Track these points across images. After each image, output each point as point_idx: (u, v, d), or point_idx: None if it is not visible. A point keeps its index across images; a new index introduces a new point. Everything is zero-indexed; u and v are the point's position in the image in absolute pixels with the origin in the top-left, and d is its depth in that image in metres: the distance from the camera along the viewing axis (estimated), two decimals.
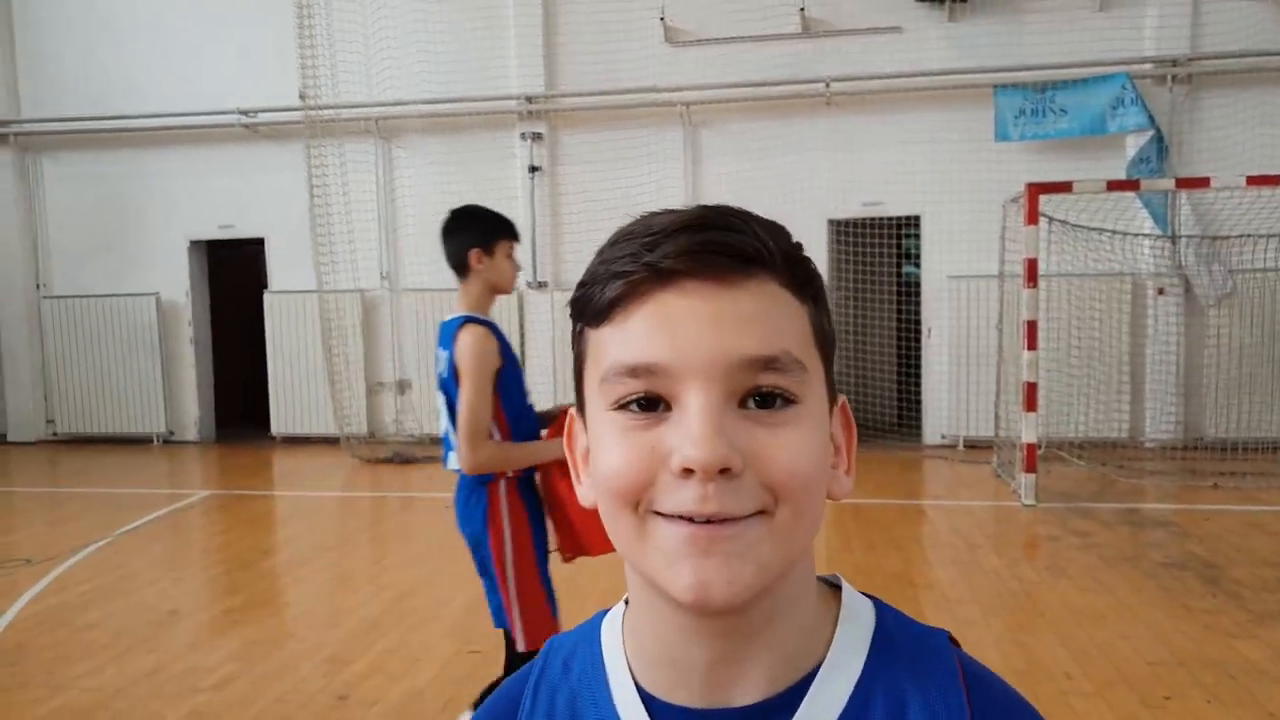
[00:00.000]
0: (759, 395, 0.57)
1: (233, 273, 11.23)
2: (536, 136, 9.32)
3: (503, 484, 2.53)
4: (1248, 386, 8.25)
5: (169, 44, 9.97)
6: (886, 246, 9.08)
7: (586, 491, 0.65)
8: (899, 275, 9.93)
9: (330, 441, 9.62)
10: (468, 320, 2.51)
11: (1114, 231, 8.09)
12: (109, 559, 5.61)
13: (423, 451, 9.07)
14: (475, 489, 2.54)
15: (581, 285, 0.62)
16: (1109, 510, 6.30)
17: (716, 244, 0.57)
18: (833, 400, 0.65)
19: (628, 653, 0.66)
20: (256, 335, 10.27)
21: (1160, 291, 8.45)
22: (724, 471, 0.55)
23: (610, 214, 9.16)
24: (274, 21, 9.44)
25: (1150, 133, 8.17)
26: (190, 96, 9.85)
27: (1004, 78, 8.46)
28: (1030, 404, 6.51)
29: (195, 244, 10.36)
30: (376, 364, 9.91)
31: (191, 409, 10.47)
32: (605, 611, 0.71)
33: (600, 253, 0.62)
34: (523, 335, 9.51)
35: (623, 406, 0.58)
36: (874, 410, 9.10)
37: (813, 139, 8.93)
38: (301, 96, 8.97)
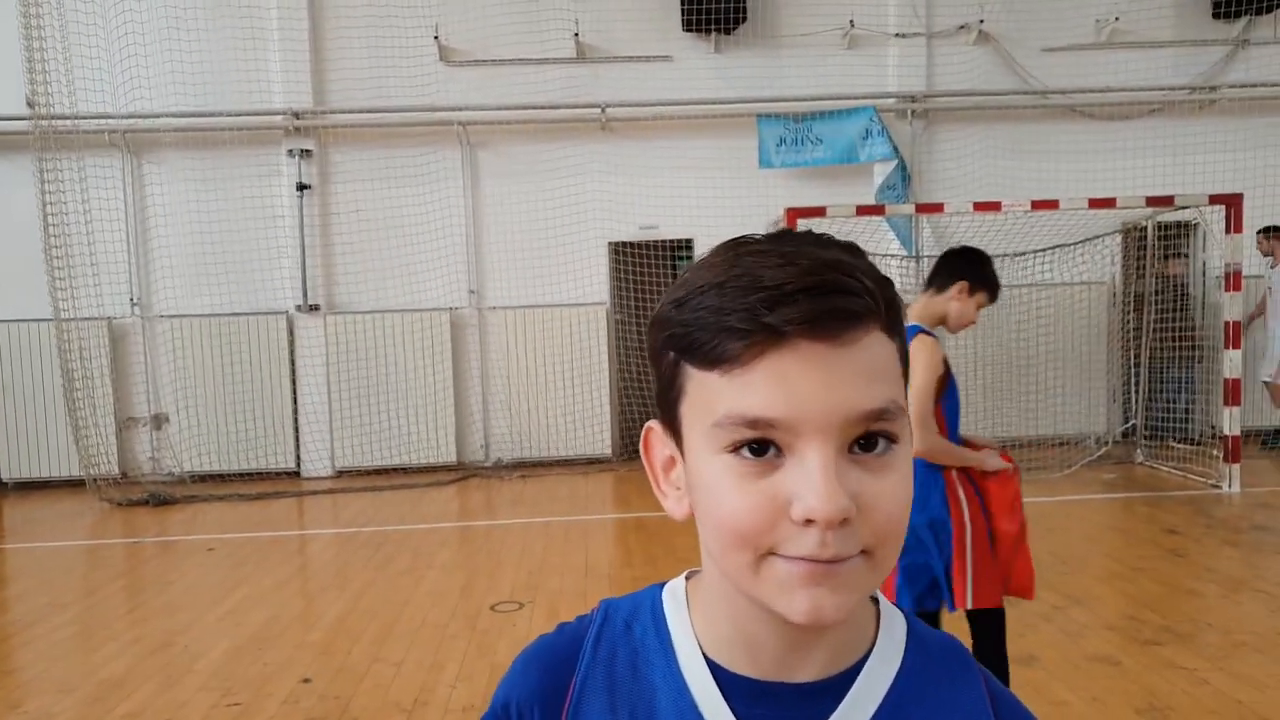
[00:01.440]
0: (863, 439, 0.62)
1: None
2: (305, 153, 8.91)
3: (954, 472, 2.85)
4: (978, 391, 9.14)
5: None
6: (663, 268, 9.36)
7: (673, 505, 0.71)
8: None
9: (75, 485, 8.70)
10: (921, 331, 2.89)
11: (866, 252, 8.72)
12: None
13: (183, 491, 8.40)
14: (930, 475, 2.82)
15: (686, 324, 0.63)
16: None
17: (835, 310, 0.60)
18: None
19: (695, 625, 0.73)
20: None
21: (905, 307, 9.19)
22: (843, 522, 0.60)
23: (388, 234, 8.97)
24: None
25: (894, 162, 8.91)
26: None
27: (765, 108, 8.98)
28: None
29: None
30: (128, 397, 9.09)
31: None
32: (662, 584, 0.77)
33: (702, 291, 0.63)
34: (293, 362, 9.04)
35: (735, 450, 0.62)
36: None
37: (590, 162, 9.08)
38: (30, 104, 8.10)
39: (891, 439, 0.63)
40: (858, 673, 0.70)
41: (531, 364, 9.07)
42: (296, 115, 8.86)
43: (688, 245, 9.43)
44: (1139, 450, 8.38)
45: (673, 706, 0.70)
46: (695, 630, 0.73)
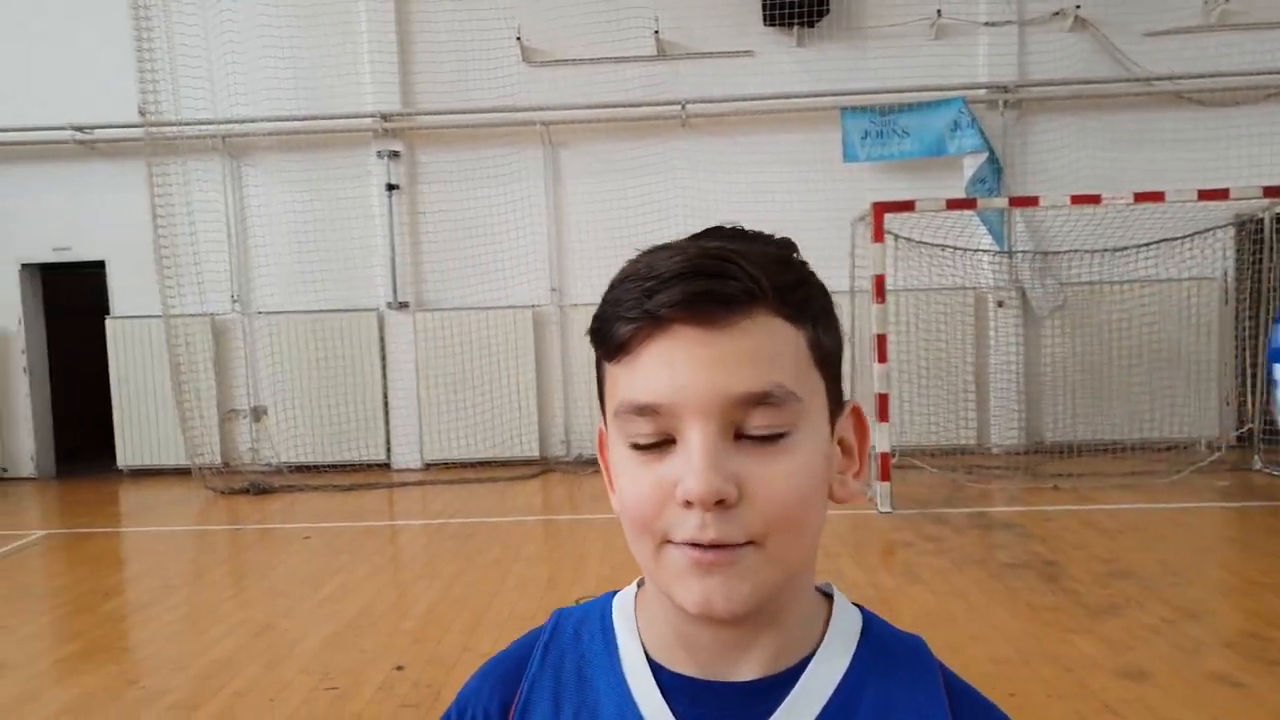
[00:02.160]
0: (755, 426, 0.62)
1: (71, 298, 10.55)
2: (394, 154, 9.15)
3: None
4: (1080, 392, 8.84)
5: None
6: None
7: (616, 501, 0.70)
8: None
9: (181, 473, 9.14)
10: None
11: (956, 248, 8.54)
12: None
13: (280, 481, 8.72)
14: None
15: (596, 319, 0.67)
16: (959, 515, 6.59)
17: (706, 294, 0.61)
18: (838, 408, 0.70)
19: (640, 628, 0.74)
20: (99, 363, 9.67)
21: (1000, 304, 8.96)
22: (720, 503, 0.61)
23: (472, 232, 9.14)
24: (111, 34, 8.97)
25: (985, 154, 8.67)
26: (18, 110, 9.22)
27: (850, 100, 8.84)
28: (883, 414, 6.78)
29: (27, 268, 9.68)
30: (229, 391, 9.49)
31: (26, 443, 9.75)
32: (615, 592, 0.79)
33: (611, 287, 0.66)
34: (384, 357, 9.29)
35: (633, 438, 0.64)
36: None
37: (671, 159, 9.09)
38: (141, 112, 8.52)
39: (784, 429, 0.63)
40: (802, 670, 0.69)
41: None
42: (385, 118, 9.10)
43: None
44: (1257, 456, 7.93)
45: (615, 709, 0.70)
46: (640, 633, 0.73)
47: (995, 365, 8.96)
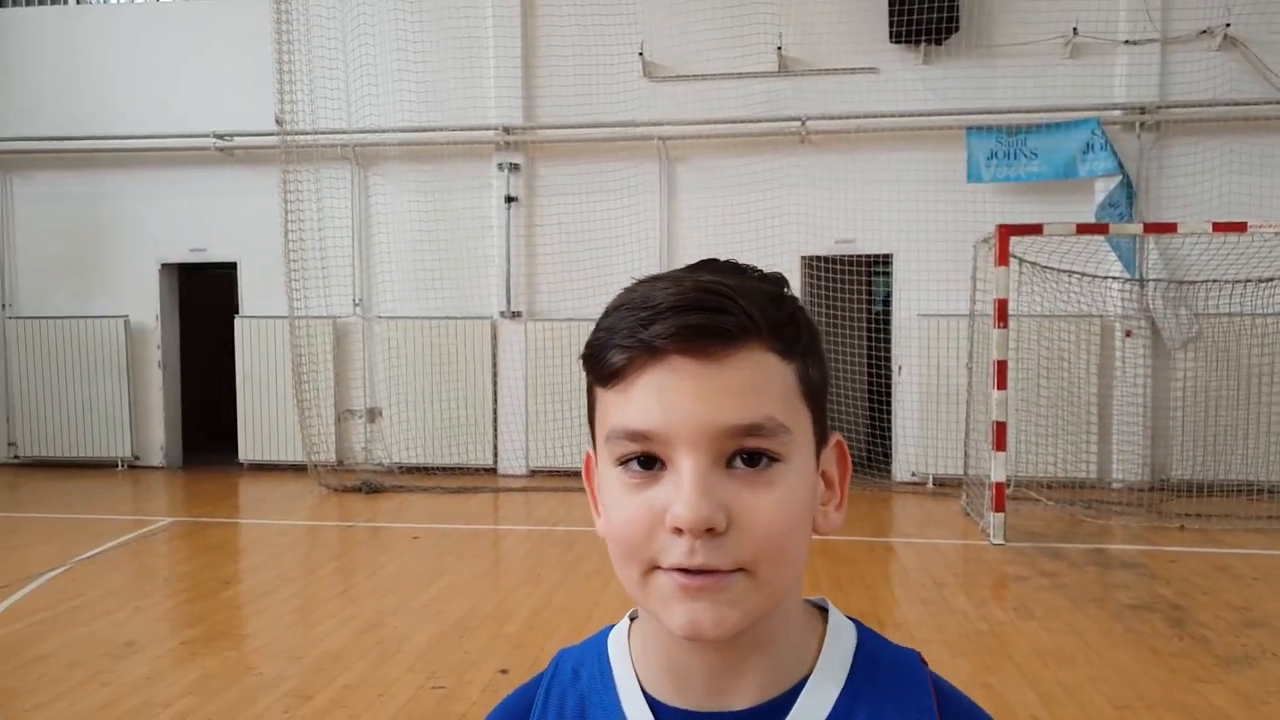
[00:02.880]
0: (745, 455, 0.64)
1: (203, 296, 11.14)
2: (514, 167, 9.35)
3: None
4: (1213, 429, 8.35)
5: (144, 65, 9.95)
6: (858, 284, 9.15)
7: (600, 525, 0.71)
8: (869, 312, 10.00)
9: (298, 469, 9.50)
10: None
11: (1083, 274, 8.19)
12: (65, 587, 5.48)
13: (391, 481, 8.97)
14: None
15: (589, 345, 0.68)
16: (1077, 550, 6.32)
17: (702, 327, 0.63)
18: (823, 441, 0.71)
19: (635, 662, 0.74)
20: (226, 360, 10.16)
21: (1128, 334, 8.56)
22: (709, 530, 0.61)
23: (586, 245, 9.25)
24: (251, 45, 9.45)
25: (1119, 178, 8.31)
26: (164, 118, 9.82)
27: (976, 120, 8.60)
28: (1000, 443, 6.55)
29: (166, 267, 10.26)
30: (346, 391, 9.83)
31: (157, 434, 10.31)
32: (612, 626, 0.79)
33: (606, 314, 0.68)
34: (495, 365, 9.47)
35: (624, 463, 0.65)
36: None
37: (787, 176, 9.01)
38: (278, 121, 8.94)
39: (774, 457, 0.64)
40: (796, 696, 0.69)
41: None
42: (507, 130, 9.30)
43: (885, 260, 9.17)
44: None
45: None
46: (635, 667, 0.74)
47: (1120, 397, 8.56)
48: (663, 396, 0.63)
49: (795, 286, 8.66)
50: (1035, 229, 6.71)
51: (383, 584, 5.65)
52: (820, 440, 0.70)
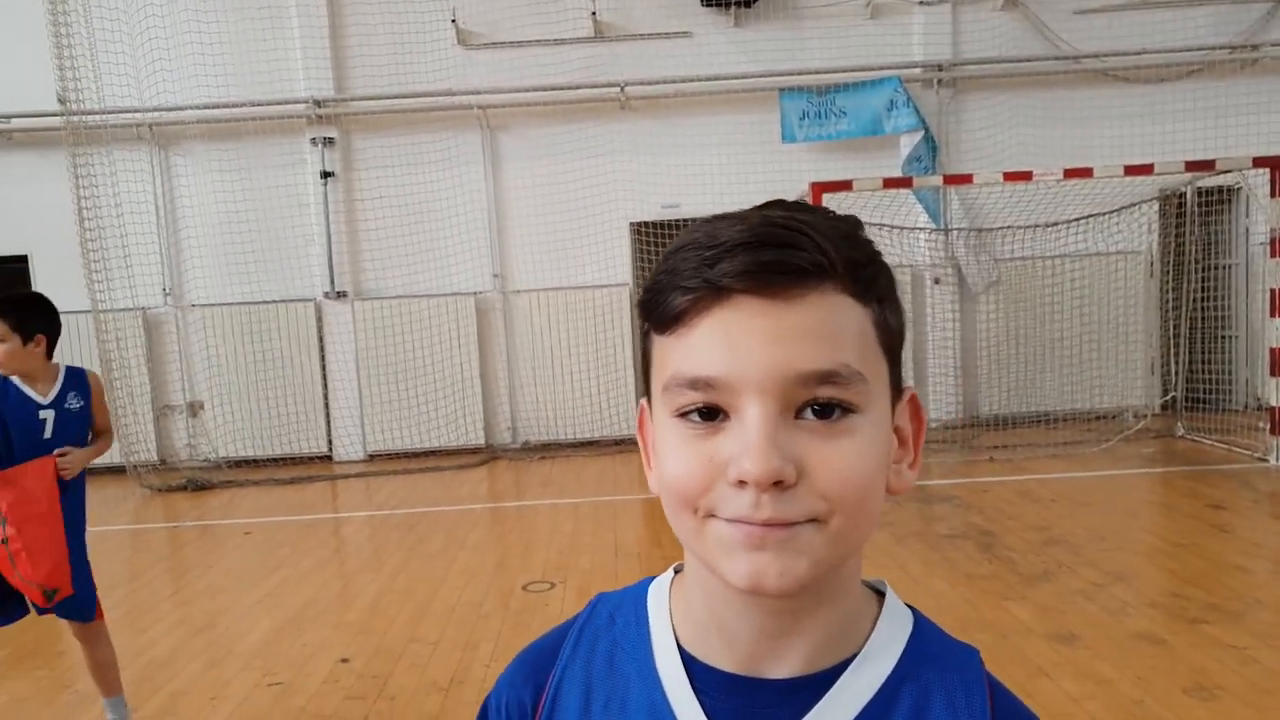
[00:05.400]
0: (817, 405, 0.59)
1: None
2: (328, 141, 8.96)
3: None
4: (1015, 365, 9.04)
5: None
6: None
7: (655, 480, 0.67)
8: None
9: (116, 471, 8.88)
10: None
11: (893, 226, 8.66)
12: None
13: (219, 476, 8.54)
14: None
15: (648, 290, 0.64)
16: None
17: (773, 263, 0.58)
18: (898, 394, 0.66)
19: (674, 616, 0.71)
20: None
21: (936, 281, 9.11)
22: (777, 484, 0.57)
23: (411, 219, 9.01)
24: (24, 18, 8.63)
25: (921, 133, 8.79)
26: None
27: (787, 81, 8.88)
28: None
29: None
30: (164, 386, 9.25)
31: None
32: (653, 577, 0.76)
33: (666, 257, 0.63)
34: (322, 348, 9.13)
35: (684, 414, 0.61)
36: None
37: (611, 142, 9.05)
38: (60, 100, 8.21)
39: (849, 408, 0.60)
40: (841, 672, 0.65)
41: (556, 346, 9.10)
42: (319, 103, 8.90)
43: None
44: (1179, 423, 8.23)
45: (644, 699, 0.68)
46: (674, 621, 0.70)
47: (933, 341, 9.11)
48: (729, 340, 0.58)
49: (626, 252, 8.72)
50: (845, 185, 7.02)
51: (214, 583, 5.40)
52: (895, 394, 0.66)
